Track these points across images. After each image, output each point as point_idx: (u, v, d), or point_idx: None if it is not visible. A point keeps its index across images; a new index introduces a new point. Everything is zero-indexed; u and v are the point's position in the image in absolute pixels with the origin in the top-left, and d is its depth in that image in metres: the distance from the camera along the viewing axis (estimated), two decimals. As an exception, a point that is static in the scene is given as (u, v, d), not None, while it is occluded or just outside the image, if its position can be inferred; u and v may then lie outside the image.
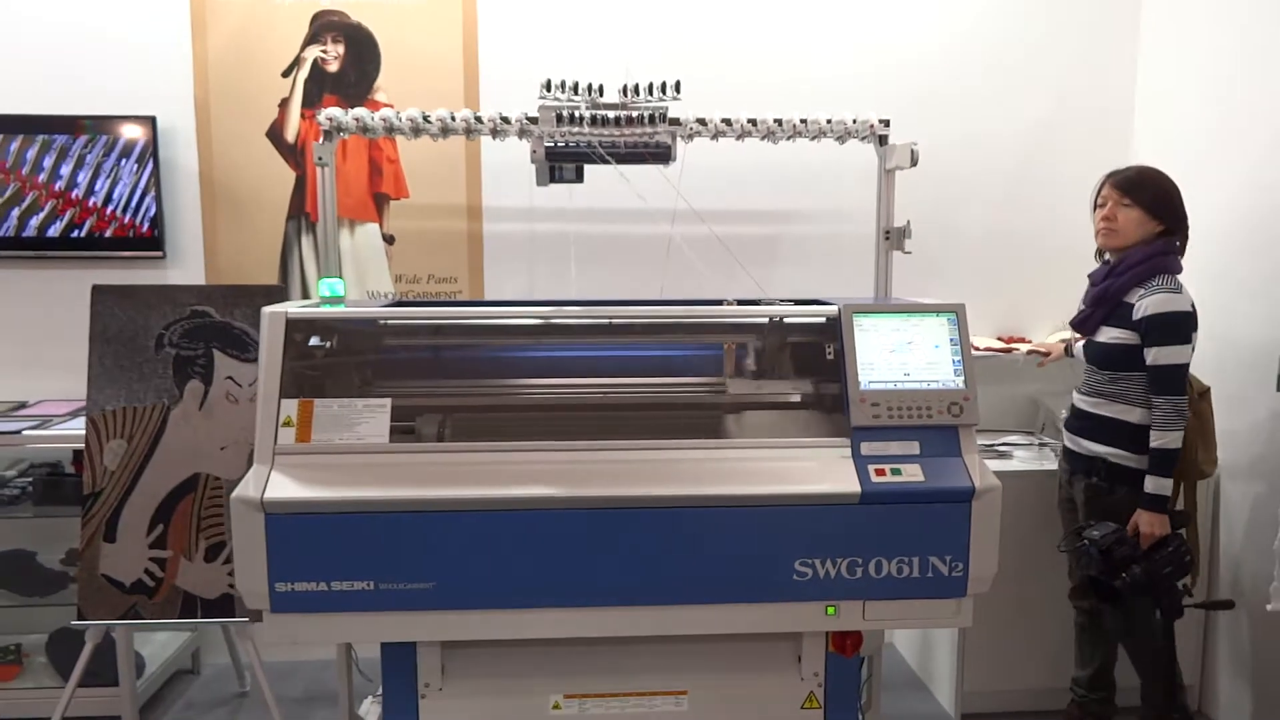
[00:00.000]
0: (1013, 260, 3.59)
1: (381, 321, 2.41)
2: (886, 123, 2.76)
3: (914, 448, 2.14)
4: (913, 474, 2.11)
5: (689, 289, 3.15)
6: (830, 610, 2.13)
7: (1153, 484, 2.47)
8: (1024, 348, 3.38)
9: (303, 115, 3.33)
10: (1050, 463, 3.16)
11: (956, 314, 2.24)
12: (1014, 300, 3.61)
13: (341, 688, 2.59)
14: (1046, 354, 3.17)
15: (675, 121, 2.63)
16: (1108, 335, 2.57)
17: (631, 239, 3.39)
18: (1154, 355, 2.46)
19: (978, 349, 3.39)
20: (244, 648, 3.10)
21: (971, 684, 3.15)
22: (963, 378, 2.19)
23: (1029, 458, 3.19)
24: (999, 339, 3.53)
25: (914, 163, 2.68)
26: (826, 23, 3.43)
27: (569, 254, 3.36)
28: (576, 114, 2.49)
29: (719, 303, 2.43)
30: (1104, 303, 2.57)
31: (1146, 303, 2.46)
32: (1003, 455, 3.20)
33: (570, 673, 2.25)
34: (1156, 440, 2.46)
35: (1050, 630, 3.01)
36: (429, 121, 2.66)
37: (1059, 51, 3.52)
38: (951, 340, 2.22)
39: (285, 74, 3.31)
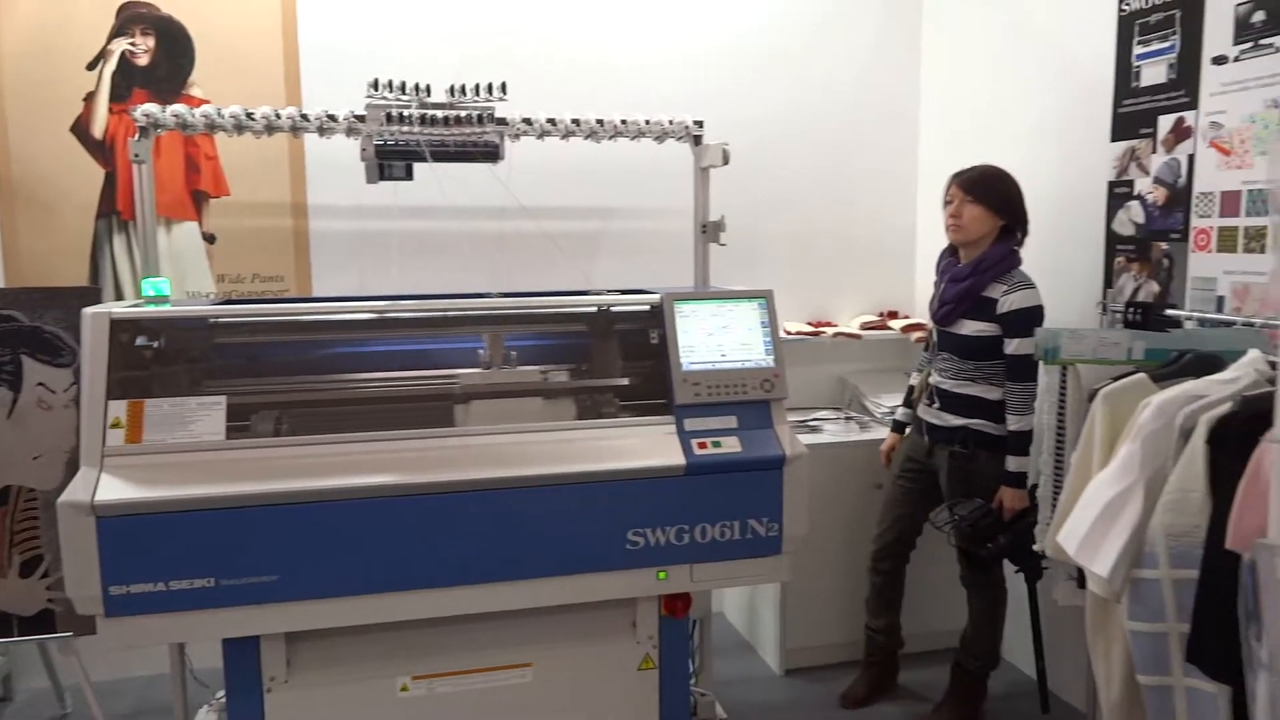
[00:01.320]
0: (819, 251, 3.89)
1: (212, 320, 2.40)
2: (700, 124, 2.95)
3: (732, 422, 2.35)
4: (731, 446, 2.31)
5: (522, 283, 3.27)
6: (661, 575, 2.30)
7: (1014, 463, 2.74)
8: (830, 330, 3.68)
9: (111, 110, 3.20)
10: (856, 434, 3.47)
11: (766, 299, 2.46)
12: (822, 287, 3.92)
13: (176, 697, 2.55)
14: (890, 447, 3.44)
15: (502, 121, 2.73)
16: (970, 328, 2.81)
17: (461, 235, 3.46)
18: (1015, 346, 2.74)
19: (790, 333, 3.68)
20: (66, 666, 2.97)
21: (793, 641, 3.42)
22: (773, 357, 2.41)
23: (838, 430, 3.49)
24: (809, 324, 3.82)
25: (725, 161, 2.88)
26: (649, 32, 3.61)
27: (398, 251, 3.40)
28: (406, 113, 2.55)
29: (547, 295, 2.56)
30: (967, 298, 2.82)
31: (1012, 299, 2.73)
32: (814, 429, 3.49)
33: (417, 654, 2.33)
34: (1015, 424, 2.73)
35: (863, 586, 3.32)
36: (253, 119, 2.65)
37: (852, 56, 3.84)
38: (762, 323, 2.44)
39: (90, 67, 3.18)
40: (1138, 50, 2.79)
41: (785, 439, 2.35)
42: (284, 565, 2.07)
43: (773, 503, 2.32)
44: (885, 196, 3.92)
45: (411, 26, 3.41)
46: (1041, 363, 2.43)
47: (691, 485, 2.27)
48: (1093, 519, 2.17)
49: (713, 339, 2.39)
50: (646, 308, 2.45)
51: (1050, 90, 3.17)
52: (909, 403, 3.18)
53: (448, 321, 2.53)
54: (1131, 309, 2.51)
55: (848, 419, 3.59)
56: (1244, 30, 2.45)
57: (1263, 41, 2.40)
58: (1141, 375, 2.20)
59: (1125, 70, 2.84)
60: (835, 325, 3.84)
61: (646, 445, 2.29)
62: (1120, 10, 2.85)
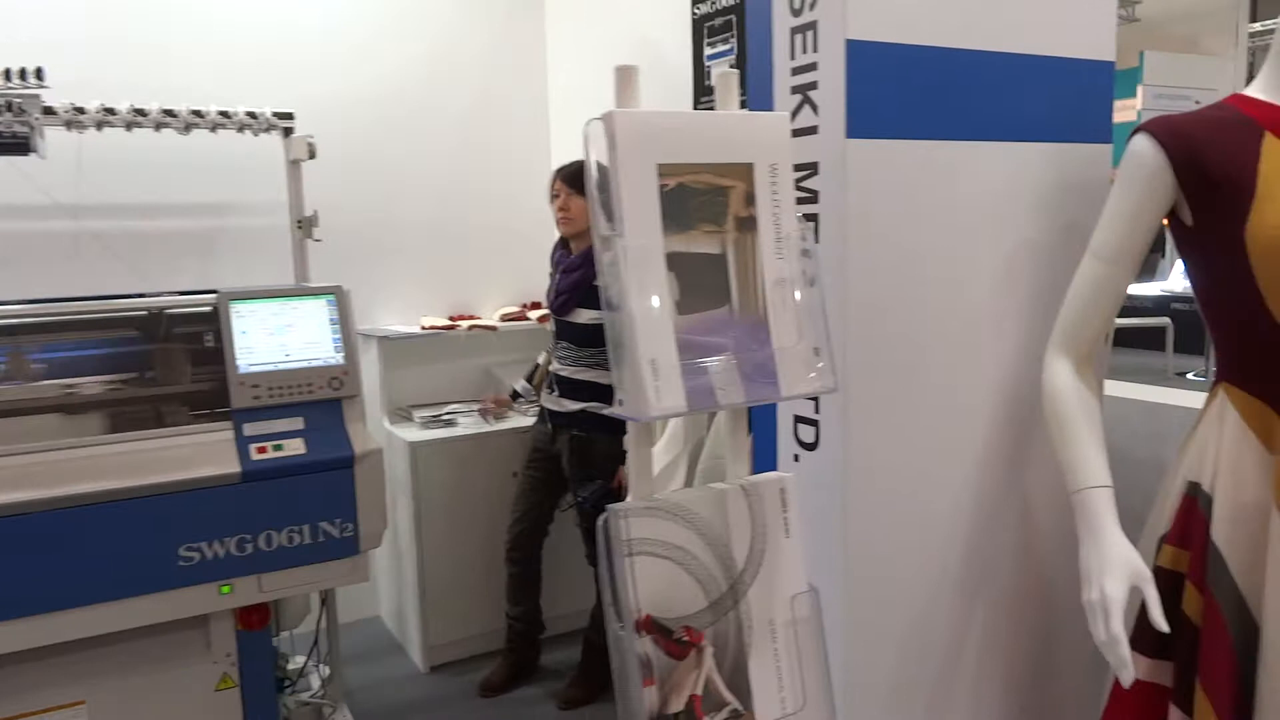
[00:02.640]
0: (458, 243, 3.88)
1: None
2: (289, 115, 2.84)
3: (298, 423, 2.27)
4: (295, 448, 2.23)
5: (110, 286, 3.01)
6: (225, 589, 2.19)
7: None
8: (464, 324, 3.68)
9: None
10: (491, 425, 3.49)
11: (335, 295, 2.40)
12: (464, 280, 3.91)
13: None
14: (497, 404, 3.50)
15: (49, 111, 2.49)
16: (585, 317, 2.88)
17: (34, 236, 3.13)
18: None
19: (427, 328, 3.64)
20: None
21: (437, 637, 3.40)
22: (343, 354, 2.35)
23: (472, 423, 3.50)
24: (450, 317, 3.81)
25: (312, 155, 2.79)
26: (254, 14, 3.42)
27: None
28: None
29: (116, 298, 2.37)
30: (580, 288, 2.89)
31: None
32: (448, 423, 3.47)
33: (-64, 707, 2.07)
34: None
35: (499, 575, 3.34)
36: None
37: (479, 50, 3.85)
38: (332, 320, 2.38)
39: None
40: (707, 51, 2.98)
41: (357, 437, 2.30)
42: None
43: (345, 503, 2.27)
44: (521, 187, 3.97)
45: (-37, 2, 3.03)
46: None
47: (251, 492, 2.17)
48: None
49: (276, 338, 2.30)
50: (205, 308, 2.32)
51: (649, 87, 3.33)
52: (530, 379, 3.28)
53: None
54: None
55: (484, 410, 3.60)
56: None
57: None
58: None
59: (700, 70, 3.03)
60: (478, 318, 3.85)
61: (199, 454, 2.16)
62: (693, 13, 3.03)
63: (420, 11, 3.73)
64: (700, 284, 1.12)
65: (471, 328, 3.68)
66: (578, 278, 2.91)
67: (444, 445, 3.33)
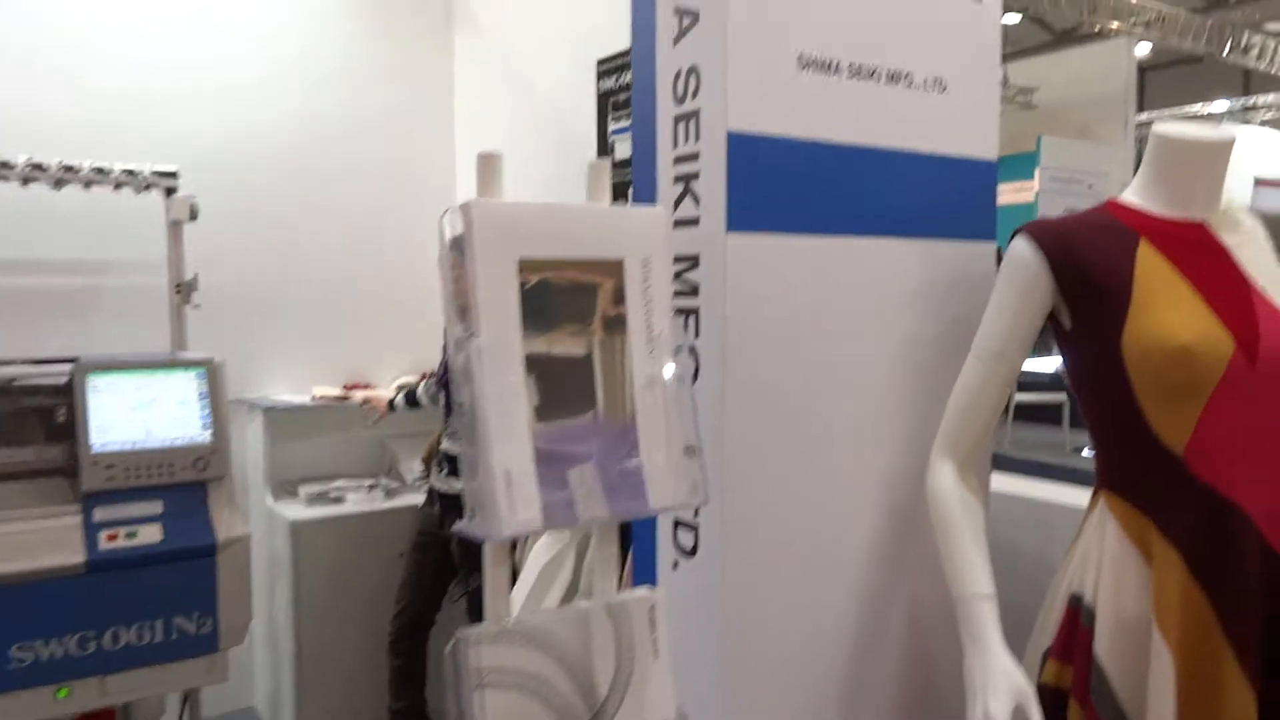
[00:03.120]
0: (355, 309, 3.74)
1: None
2: (173, 174, 2.70)
3: (156, 507, 2.10)
4: (150, 535, 2.06)
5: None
6: (62, 693, 1.99)
7: None
8: (359, 395, 3.54)
9: None
10: (381, 503, 3.33)
11: (206, 369, 2.26)
12: (360, 347, 3.77)
13: None
14: (375, 409, 3.34)
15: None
16: None
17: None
18: None
19: (323, 398, 3.48)
20: None
21: (315, 729, 3.19)
22: (211, 431, 2.20)
23: (360, 500, 3.33)
24: (344, 386, 3.65)
25: (193, 216, 2.66)
26: (148, 66, 3.28)
27: None
28: None
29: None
30: None
31: None
32: (335, 500, 3.30)
33: None
34: None
35: (383, 666, 3.15)
36: None
37: (385, 110, 3.77)
38: (201, 395, 2.23)
39: None
40: (612, 126, 2.96)
41: (221, 523, 2.14)
42: None
43: (204, 596, 2.10)
44: (423, 251, 3.87)
45: None
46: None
47: (97, 584, 1.99)
48: (531, 583, 2.19)
49: (137, 414, 2.14)
50: (57, 380, 2.15)
51: (556, 159, 3.30)
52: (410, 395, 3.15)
53: None
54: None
55: (373, 487, 3.44)
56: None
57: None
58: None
59: (604, 144, 3.00)
60: (374, 387, 3.70)
61: (41, 541, 1.98)
62: (598, 88, 3.02)
63: (325, 67, 3.64)
64: (562, 388, 1.05)
65: (365, 399, 3.53)
66: None
67: (328, 524, 3.15)
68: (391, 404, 3.26)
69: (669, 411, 1.10)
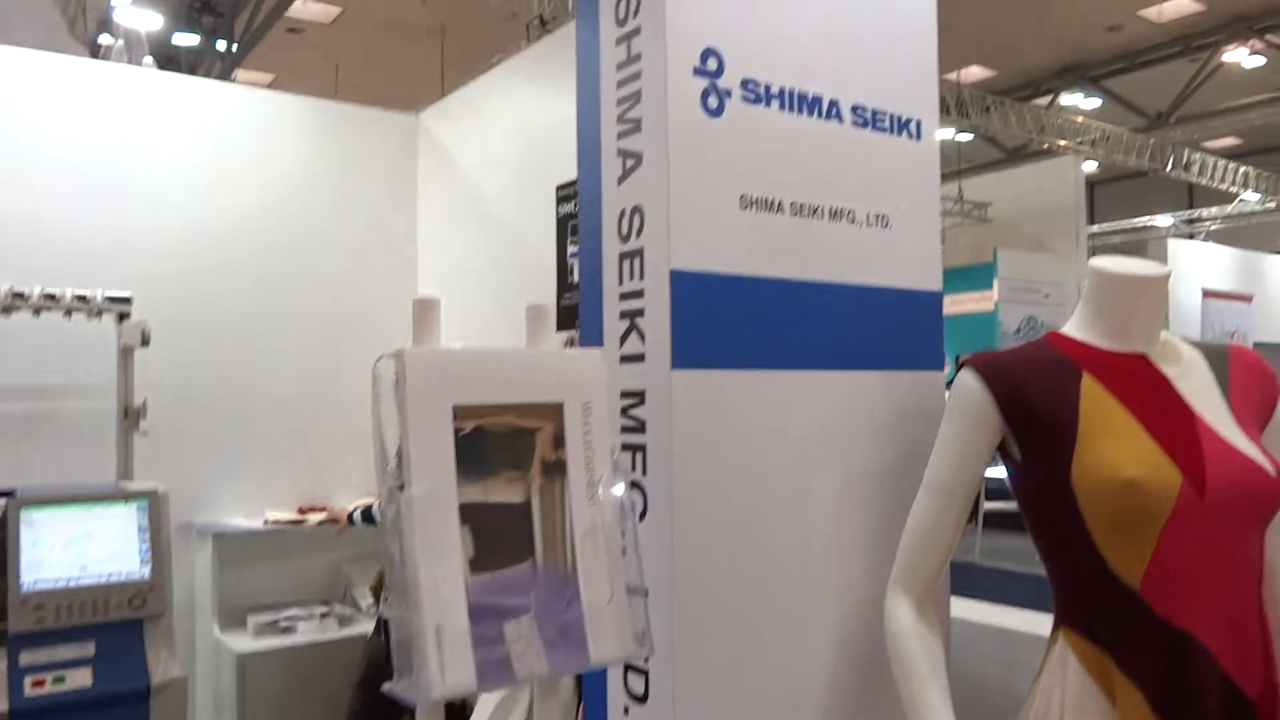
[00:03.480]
0: (311, 430, 3.68)
1: None
2: (126, 300, 2.68)
3: (88, 649, 2.01)
4: (80, 680, 1.96)
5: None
6: None
7: None
8: (314, 518, 3.45)
9: None
10: (334, 632, 3.21)
11: (148, 501, 2.19)
12: (316, 470, 3.69)
13: None
14: (335, 522, 3.26)
15: None
16: None
17: None
18: None
19: (276, 522, 3.39)
20: None
21: None
22: (149, 566, 2.12)
23: (311, 629, 3.21)
24: (299, 509, 3.56)
25: (145, 342, 2.63)
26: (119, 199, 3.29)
27: None
28: None
29: None
30: None
31: None
32: (285, 630, 3.18)
33: None
34: None
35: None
36: None
37: (346, 234, 3.80)
38: (141, 528, 2.15)
39: None
40: (570, 249, 3.00)
41: (158, 664, 2.05)
42: None
43: (136, 743, 1.99)
44: (385, 375, 3.84)
45: None
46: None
47: (19, 735, 1.87)
48: (487, 717, 2.10)
49: (71, 550, 2.06)
50: (-9, 516, 2.07)
51: (515, 282, 3.32)
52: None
53: None
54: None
55: (325, 615, 3.32)
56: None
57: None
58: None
59: (564, 267, 3.03)
60: (331, 509, 3.61)
61: (-40, 690, 1.87)
62: (557, 212, 3.06)
63: (286, 187, 3.67)
64: (499, 538, 1.01)
65: (321, 522, 3.44)
66: None
67: (277, 656, 3.03)
68: (350, 516, 3.17)
69: (611, 558, 1.07)
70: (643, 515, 1.34)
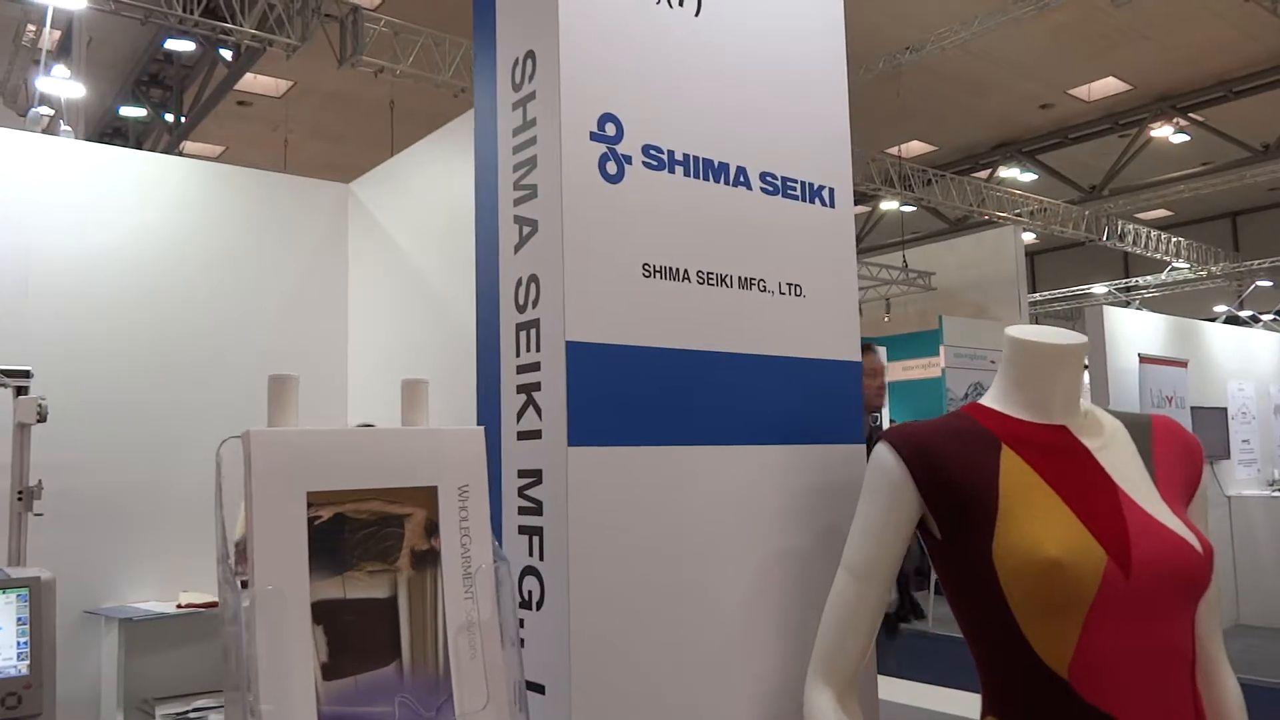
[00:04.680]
0: (233, 504, 3.51)
1: None
2: (25, 373, 2.54)
3: (-49, 757, 1.83)
4: (-60, 792, 1.78)
5: None
6: None
7: None
8: (230, 602, 3.27)
9: None
10: None
11: (30, 589, 2.03)
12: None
13: None
14: None
15: None
16: None
17: None
18: None
19: (189, 605, 3.21)
20: None
21: None
22: (27, 663, 1.95)
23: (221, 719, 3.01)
24: (216, 593, 3.38)
25: (41, 418, 2.48)
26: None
27: None
28: None
29: None
30: None
31: None
32: (193, 724, 2.98)
33: None
34: None
35: None
36: None
37: (271, 308, 3.68)
38: (20, 620, 1.99)
39: None
40: (498, 319, 2.92)
41: (31, 771, 1.87)
42: None
43: None
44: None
45: None
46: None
47: None
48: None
49: (-60, 647, 1.89)
50: None
51: (438, 356, 3.23)
52: None
53: None
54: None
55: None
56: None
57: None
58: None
59: (492, 336, 2.95)
60: (250, 592, 3.43)
61: None
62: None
63: (210, 264, 3.56)
64: (359, 638, 0.92)
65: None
66: None
67: (184, 752, 2.83)
68: None
69: (490, 656, 0.97)
70: (540, 604, 1.24)
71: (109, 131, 12.59)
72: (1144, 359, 5.44)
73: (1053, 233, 12.63)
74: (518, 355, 1.32)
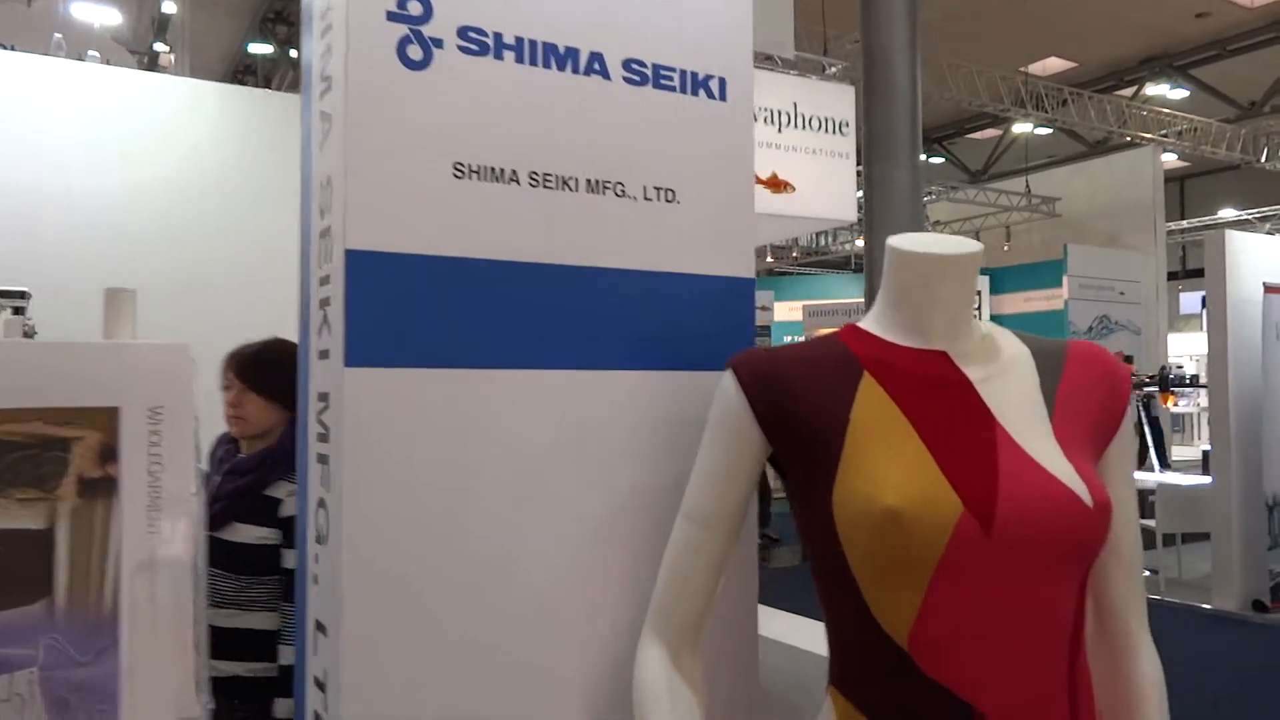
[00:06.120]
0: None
1: None
2: (21, 294, 2.61)
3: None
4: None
5: None
6: None
7: (281, 707, 2.07)
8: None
9: None
10: None
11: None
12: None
13: None
14: None
15: None
16: (249, 535, 2.17)
17: None
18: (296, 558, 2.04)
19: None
20: None
21: None
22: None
23: None
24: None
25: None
26: None
27: None
28: None
29: None
30: (246, 496, 2.18)
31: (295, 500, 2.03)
32: None
33: None
34: (288, 656, 2.07)
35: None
36: None
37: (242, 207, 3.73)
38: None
39: None
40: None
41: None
42: None
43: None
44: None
45: None
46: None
47: None
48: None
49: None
50: None
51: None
52: None
53: None
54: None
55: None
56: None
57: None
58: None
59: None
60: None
61: None
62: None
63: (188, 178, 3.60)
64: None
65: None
66: (246, 483, 2.20)
67: None
68: None
69: (178, 599, 0.87)
70: (326, 539, 1.14)
71: (240, 69, 13.06)
72: (1269, 289, 4.85)
73: (1203, 154, 11.48)
74: (319, 266, 1.20)
